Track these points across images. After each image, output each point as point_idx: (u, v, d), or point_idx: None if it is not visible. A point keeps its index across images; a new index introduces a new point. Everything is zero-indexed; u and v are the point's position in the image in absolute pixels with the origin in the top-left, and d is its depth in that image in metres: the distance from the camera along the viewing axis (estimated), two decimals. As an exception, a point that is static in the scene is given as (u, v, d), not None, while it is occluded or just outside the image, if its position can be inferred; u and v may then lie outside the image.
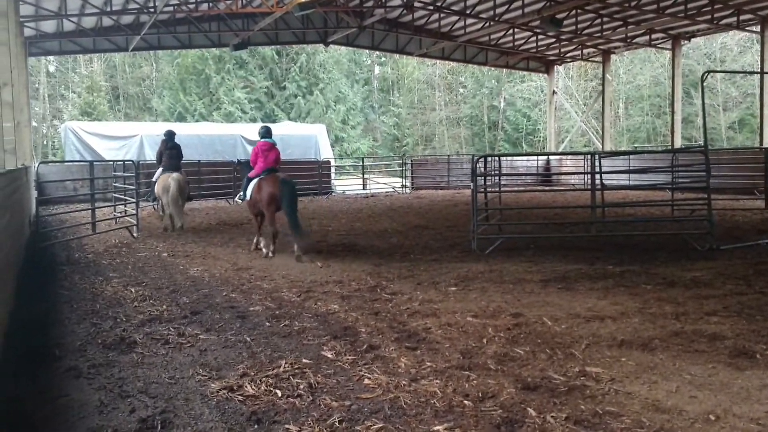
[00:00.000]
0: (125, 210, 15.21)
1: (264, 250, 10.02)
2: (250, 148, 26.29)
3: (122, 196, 15.49)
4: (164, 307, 6.43)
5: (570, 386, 4.00)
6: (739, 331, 5.06)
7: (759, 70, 22.02)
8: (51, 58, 43.24)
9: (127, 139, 24.75)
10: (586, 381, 4.09)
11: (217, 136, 26.58)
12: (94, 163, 14.07)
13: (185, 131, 26.85)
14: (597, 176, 10.82)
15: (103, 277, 8.10)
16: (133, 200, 13.19)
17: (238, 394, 4.00)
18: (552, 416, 3.54)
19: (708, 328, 5.17)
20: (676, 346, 4.75)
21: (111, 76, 51.09)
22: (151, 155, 24.01)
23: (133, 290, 7.28)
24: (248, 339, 5.22)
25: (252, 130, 28.07)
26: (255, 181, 10.13)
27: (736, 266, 7.95)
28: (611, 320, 5.52)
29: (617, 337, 5.00)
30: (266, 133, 10.70)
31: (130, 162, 15.10)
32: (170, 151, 14.37)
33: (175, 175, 13.48)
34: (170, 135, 14.98)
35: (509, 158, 29.38)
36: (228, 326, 5.65)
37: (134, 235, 12.32)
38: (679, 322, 5.39)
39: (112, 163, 19.33)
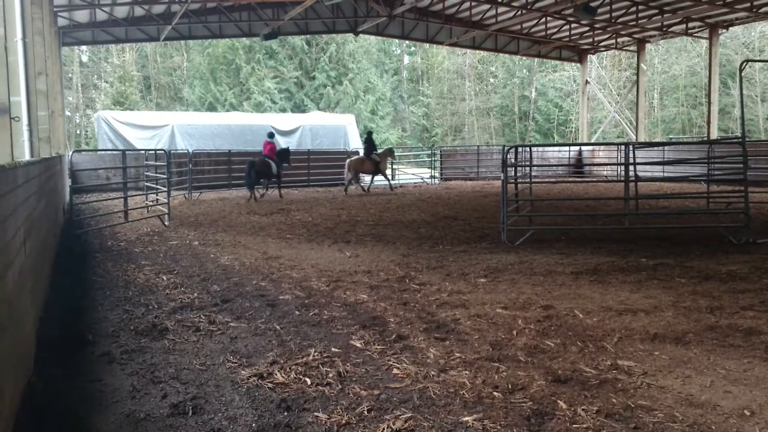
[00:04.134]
0: (157, 199, 15.41)
1: None
2: (280, 138, 26.51)
3: (154, 185, 15.69)
4: (195, 294, 6.51)
5: (601, 379, 3.95)
6: (776, 327, 4.94)
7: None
8: (84, 47, 43.95)
9: (158, 129, 25.08)
10: (618, 374, 4.03)
11: (248, 126, 26.78)
12: (127, 152, 14.27)
13: (215, 121, 27.19)
14: (630, 167, 10.65)
15: (135, 265, 8.22)
16: (165, 189, 13.36)
17: (268, 382, 4.02)
18: (583, 409, 3.49)
19: (744, 323, 5.05)
20: (711, 341, 4.65)
21: (143, 66, 51.73)
22: (182, 144, 24.33)
23: (164, 278, 7.38)
24: (278, 327, 5.25)
25: (282, 120, 28.26)
26: None
27: (774, 260, 7.77)
28: (644, 314, 5.43)
29: (650, 330, 4.91)
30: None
31: (162, 151, 15.29)
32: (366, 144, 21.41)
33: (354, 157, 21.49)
34: (369, 134, 22.34)
35: (540, 149, 29.15)
36: (258, 314, 5.69)
37: (166, 223, 12.48)
38: (714, 317, 5.28)
39: (144, 152, 19.61)
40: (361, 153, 22.82)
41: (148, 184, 16.40)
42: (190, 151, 21.59)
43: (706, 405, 3.54)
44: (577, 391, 3.77)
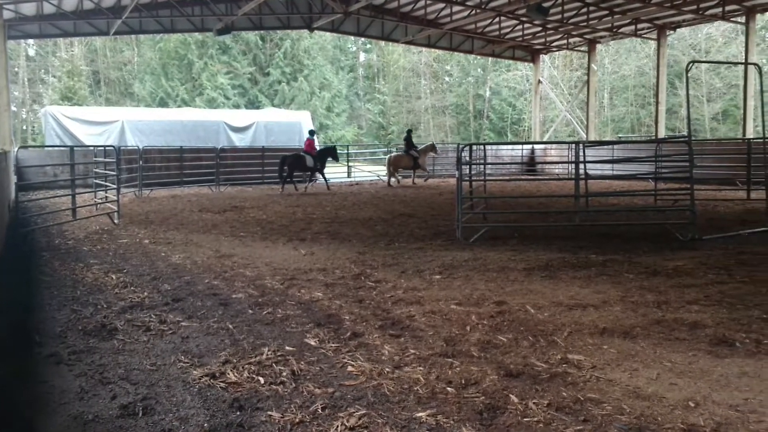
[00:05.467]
0: (106, 196, 15.05)
1: None
2: (233, 135, 26.13)
3: (103, 182, 15.31)
4: (145, 293, 6.38)
5: (552, 373, 4.02)
6: (719, 320, 5.11)
7: (743, 61, 22.19)
8: (31, 41, 42.67)
9: (108, 125, 24.46)
10: (568, 368, 4.11)
11: (200, 122, 26.32)
12: (75, 148, 13.87)
13: (167, 117, 26.65)
14: (581, 166, 10.87)
15: (83, 264, 8.01)
16: (114, 186, 13.06)
17: (221, 381, 3.98)
18: (534, 403, 3.55)
19: (689, 317, 5.21)
20: (657, 334, 4.78)
21: (92, 61, 50.46)
22: (132, 141, 23.80)
23: (114, 277, 7.21)
24: (231, 326, 5.19)
25: (235, 117, 27.88)
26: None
27: (718, 256, 8.03)
28: (593, 308, 5.55)
29: (599, 325, 5.03)
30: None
31: (111, 147, 14.93)
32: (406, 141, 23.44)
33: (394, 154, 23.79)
34: (409, 131, 24.44)
35: (494, 147, 29.47)
36: (210, 313, 5.61)
37: (115, 221, 12.19)
38: (661, 311, 5.43)
39: (92, 148, 19.14)
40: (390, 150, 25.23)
41: (97, 181, 16.02)
42: (141, 147, 21.13)
43: (653, 397, 3.63)
44: (529, 385, 3.83)
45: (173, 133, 25.21)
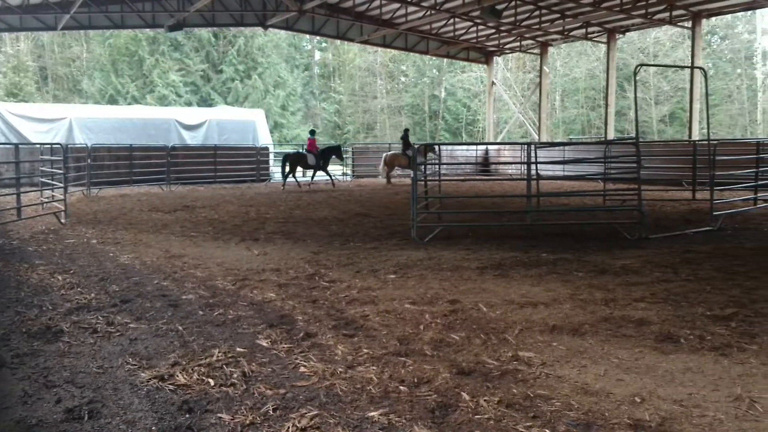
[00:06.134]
0: (53, 195, 14.61)
1: None
2: (185, 133, 25.69)
3: (50, 181, 14.87)
4: (93, 295, 6.21)
5: (503, 371, 4.06)
6: (664, 317, 5.25)
7: (689, 65, 22.87)
8: (-27, 34, 41.00)
9: (55, 122, 23.74)
10: (519, 365, 4.16)
11: (151, 120, 25.78)
12: (20, 145, 13.43)
13: (117, 114, 26.03)
14: (533, 166, 11.04)
15: (28, 264, 7.76)
16: (61, 185, 12.69)
17: (169, 384, 3.89)
18: (485, 400, 3.58)
19: (635, 314, 5.34)
20: (605, 331, 4.88)
21: (39, 56, 48.98)
22: (80, 138, 23.18)
23: (60, 278, 7.00)
24: (180, 328, 5.09)
25: (187, 115, 27.41)
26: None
27: (664, 255, 8.25)
28: (544, 306, 5.64)
29: (549, 322, 5.11)
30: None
31: (58, 145, 14.52)
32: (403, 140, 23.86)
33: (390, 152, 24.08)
34: (406, 131, 24.73)
35: (449, 147, 29.70)
36: (159, 315, 5.49)
37: (62, 221, 11.85)
38: (609, 308, 5.55)
39: (39, 146, 18.59)
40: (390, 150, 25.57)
41: (43, 179, 15.54)
42: (89, 145, 20.60)
43: (600, 393, 3.70)
44: (480, 383, 3.86)
45: (123, 130, 24.63)
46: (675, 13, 24.02)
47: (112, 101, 43.36)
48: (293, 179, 22.10)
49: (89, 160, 19.19)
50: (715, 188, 10.94)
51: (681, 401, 3.56)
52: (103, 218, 12.75)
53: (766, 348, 4.44)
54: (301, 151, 22.60)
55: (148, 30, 37.67)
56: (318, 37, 48.87)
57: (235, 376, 4.01)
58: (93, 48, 48.68)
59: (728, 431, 3.19)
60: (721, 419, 3.32)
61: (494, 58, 33.80)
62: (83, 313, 5.54)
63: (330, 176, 22.86)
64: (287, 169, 21.64)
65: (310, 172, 23.35)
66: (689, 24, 24.61)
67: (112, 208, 14.71)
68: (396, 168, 24.15)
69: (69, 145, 19.31)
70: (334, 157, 22.71)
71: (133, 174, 21.86)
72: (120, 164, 22.19)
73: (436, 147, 24.29)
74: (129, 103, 41.50)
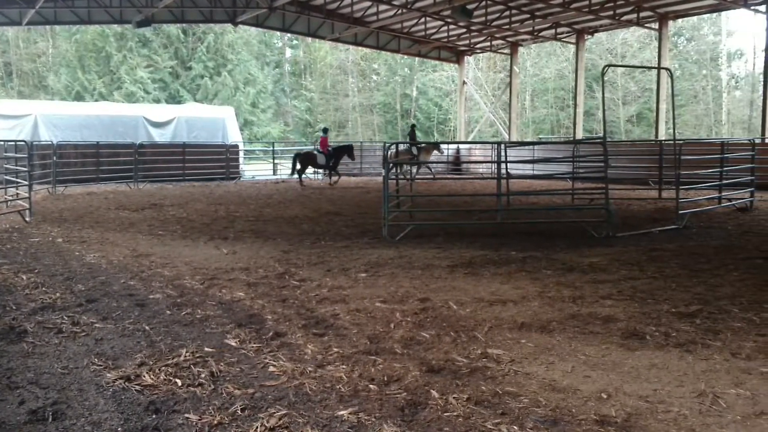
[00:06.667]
0: (17, 193, 14.30)
1: None
2: (153, 130, 25.32)
3: (14, 179, 14.55)
4: (58, 294, 6.10)
5: (472, 368, 4.08)
6: (631, 314, 5.33)
7: (656, 66, 23.26)
8: (-67, 28, 39.93)
9: (20, 118, 23.18)
10: (488, 363, 4.19)
11: (118, 116, 25.33)
12: (-18, 142, 13.13)
13: (83, 111, 25.55)
14: (503, 165, 11.12)
15: (-11, 264, 7.58)
16: (26, 183, 12.42)
17: (136, 384, 3.84)
18: (454, 397, 3.60)
19: (602, 311, 5.41)
20: (573, 328, 4.94)
21: (3, 52, 47.90)
22: (46, 135, 22.71)
23: (24, 277, 6.85)
24: (147, 328, 5.02)
25: (155, 112, 27.03)
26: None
27: (630, 253, 8.38)
28: (513, 304, 5.68)
29: (518, 319, 5.15)
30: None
31: (23, 142, 14.22)
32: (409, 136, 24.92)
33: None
34: (413, 127, 26.10)
35: (421, 146, 29.70)
36: (126, 314, 5.41)
37: (27, 219, 11.61)
38: (576, 306, 5.61)
39: (2, 143, 18.17)
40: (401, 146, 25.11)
41: (7, 177, 15.18)
42: (55, 142, 20.22)
43: (568, 389, 3.74)
44: (450, 380, 3.88)
45: (90, 127, 24.18)
46: (642, 14, 24.39)
47: (79, 98, 42.57)
48: (296, 176, 22.35)
49: (55, 158, 18.86)
50: (681, 187, 11.15)
51: (646, 397, 3.62)
52: (69, 217, 12.52)
53: (729, 344, 4.53)
54: (312, 150, 22.83)
55: (115, 26, 37.10)
56: (289, 35, 48.63)
57: (203, 376, 3.97)
58: (59, 43, 47.76)
59: (692, 426, 3.25)
60: (685, 414, 3.38)
61: (465, 57, 33.97)
62: (48, 313, 5.44)
63: (338, 175, 22.84)
64: (298, 167, 21.96)
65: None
66: (656, 25, 25.02)
67: (79, 207, 14.46)
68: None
69: (34, 142, 18.93)
70: (345, 156, 22.70)
71: (100, 172, 21.49)
72: (86, 162, 21.80)
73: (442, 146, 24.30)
74: (96, 100, 40.80)
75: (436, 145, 24.17)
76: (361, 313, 5.43)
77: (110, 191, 19.05)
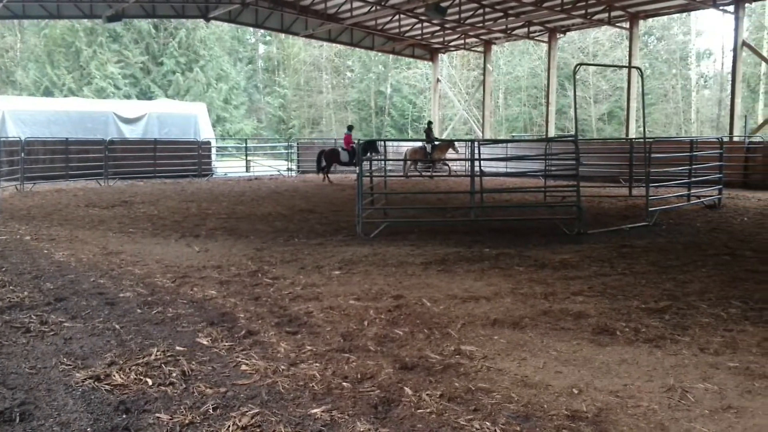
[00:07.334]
0: (-18, 190, 14.00)
1: None
2: (124, 127, 24.97)
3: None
4: (26, 293, 5.98)
5: (445, 365, 4.10)
6: (601, 310, 5.40)
7: (627, 65, 23.54)
8: None
9: (-14, 114, 22.75)
10: (461, 359, 4.21)
11: (88, 112, 24.92)
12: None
13: (52, 107, 25.09)
14: (476, 163, 11.18)
15: (-47, 263, 7.41)
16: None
17: (105, 384, 3.78)
18: (427, 394, 3.61)
19: (574, 307, 5.47)
20: (545, 325, 4.99)
21: (-31, 46, 46.74)
22: (14, 132, 22.25)
23: (-11, 276, 6.71)
24: (117, 326, 4.95)
25: (126, 108, 26.65)
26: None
27: (601, 249, 8.49)
28: (486, 300, 5.72)
29: (491, 316, 5.18)
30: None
31: (-12, 138, 13.92)
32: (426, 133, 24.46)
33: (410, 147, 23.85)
34: (429, 124, 25.92)
35: (395, 143, 29.75)
36: (95, 313, 5.33)
37: (-8, 217, 11.38)
38: (548, 302, 5.67)
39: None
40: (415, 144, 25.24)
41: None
42: (23, 138, 19.80)
43: (539, 385, 3.78)
44: (423, 377, 3.89)
45: (59, 123, 23.76)
46: (613, 13, 24.67)
47: (48, 93, 41.77)
48: (321, 173, 22.44)
49: (23, 154, 18.49)
50: (651, 185, 11.32)
51: (617, 392, 3.67)
52: (38, 214, 12.30)
53: (697, 340, 4.62)
54: (336, 147, 22.98)
55: (85, 20, 36.48)
56: (262, 31, 48.30)
57: (174, 375, 3.93)
58: (27, 38, 46.78)
59: (661, 420, 3.30)
60: (654, 409, 3.43)
61: (439, 55, 34.05)
62: (15, 312, 5.34)
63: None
64: (323, 164, 22.07)
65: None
66: (627, 25, 25.33)
67: (47, 204, 14.21)
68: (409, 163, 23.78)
69: (1, 139, 18.55)
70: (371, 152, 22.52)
71: (69, 168, 21.12)
72: (55, 158, 21.42)
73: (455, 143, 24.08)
74: (65, 96, 40.08)
75: (451, 143, 23.46)
76: (334, 311, 5.42)
77: (80, 188, 18.75)
